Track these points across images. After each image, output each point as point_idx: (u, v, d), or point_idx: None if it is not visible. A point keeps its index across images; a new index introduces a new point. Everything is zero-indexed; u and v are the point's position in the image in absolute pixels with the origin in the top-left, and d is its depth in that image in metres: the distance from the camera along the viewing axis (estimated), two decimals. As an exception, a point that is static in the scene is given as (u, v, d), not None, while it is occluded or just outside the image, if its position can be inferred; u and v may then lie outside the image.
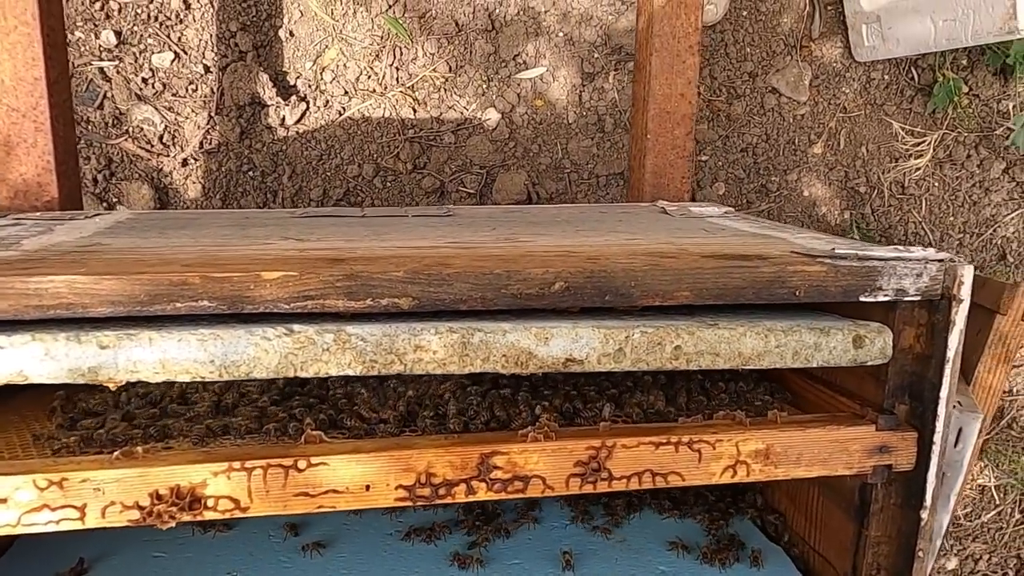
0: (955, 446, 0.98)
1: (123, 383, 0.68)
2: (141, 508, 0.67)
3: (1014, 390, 2.24)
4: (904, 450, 0.80)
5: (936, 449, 0.79)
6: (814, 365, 0.75)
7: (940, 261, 0.76)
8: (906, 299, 0.76)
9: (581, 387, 0.87)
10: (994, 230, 2.06)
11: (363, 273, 0.67)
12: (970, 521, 2.33)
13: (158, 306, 0.64)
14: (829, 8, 1.93)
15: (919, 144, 2.02)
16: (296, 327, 0.66)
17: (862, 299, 0.75)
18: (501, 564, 0.94)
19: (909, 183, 2.06)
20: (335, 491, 0.70)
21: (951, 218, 2.06)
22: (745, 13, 1.92)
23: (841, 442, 0.79)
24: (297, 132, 1.77)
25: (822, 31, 1.94)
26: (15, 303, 0.62)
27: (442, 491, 0.72)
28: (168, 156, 1.73)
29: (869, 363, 0.77)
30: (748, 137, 1.92)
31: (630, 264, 0.71)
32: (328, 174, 1.82)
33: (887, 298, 0.76)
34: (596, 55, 1.85)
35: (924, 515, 0.82)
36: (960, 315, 0.76)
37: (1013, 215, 2.08)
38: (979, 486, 2.32)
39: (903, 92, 2.00)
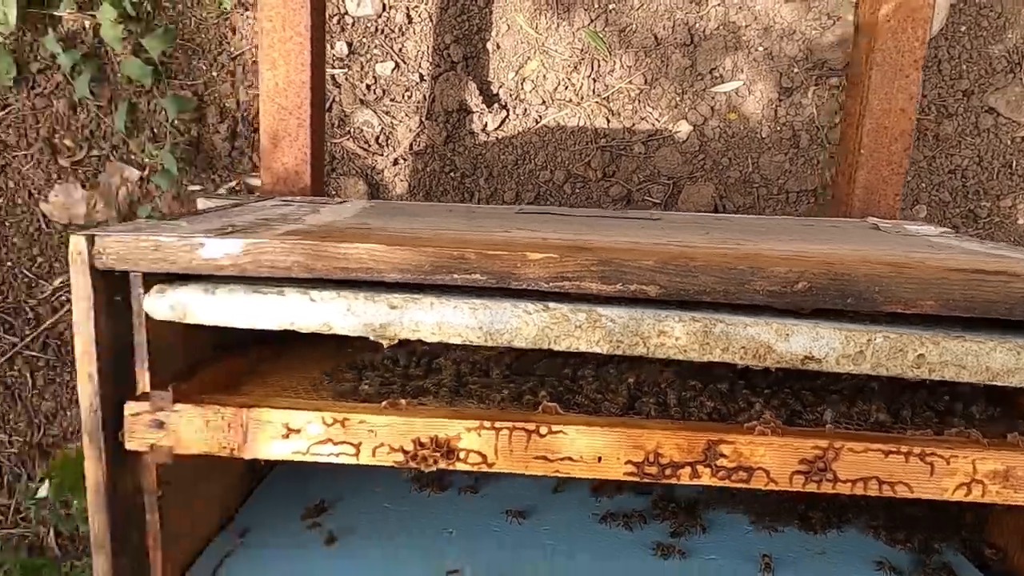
0: None
1: (395, 341, 0.78)
2: (405, 452, 0.77)
3: None
4: None
5: None
6: (1070, 388, 0.72)
7: None
8: None
9: (798, 391, 0.88)
10: None
11: (615, 260, 0.73)
12: None
13: (438, 276, 0.73)
14: (1064, 19, 1.80)
15: None
16: (552, 305, 0.73)
17: None
18: (699, 558, 0.96)
19: None
20: (571, 459, 0.76)
21: None
22: (964, 28, 1.82)
23: (1094, 473, 0.75)
24: (496, 138, 1.89)
25: (1054, 46, 1.80)
26: (327, 264, 0.73)
27: (668, 471, 0.76)
28: (382, 155, 1.91)
29: None
30: (957, 159, 1.82)
31: (873, 270, 0.72)
32: (522, 178, 1.92)
33: None
34: (796, 70, 1.83)
35: None
36: None
37: None
38: None
39: None
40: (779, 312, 0.73)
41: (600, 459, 0.76)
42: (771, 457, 0.76)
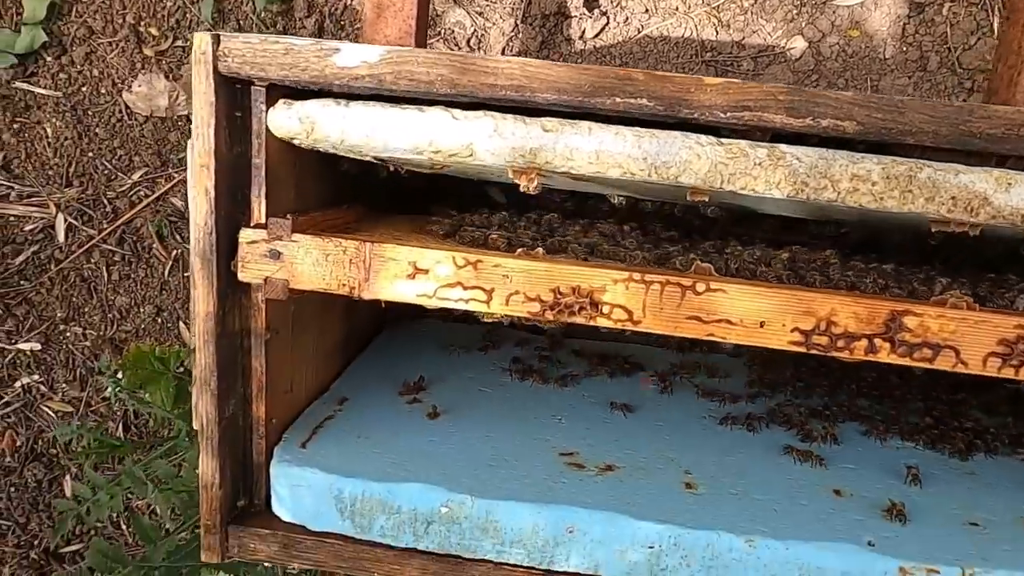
0: None
1: (536, 177, 0.70)
2: (543, 301, 0.69)
3: None
4: None
5: None
6: None
7: None
8: None
9: (978, 281, 0.78)
10: None
11: (808, 89, 0.63)
12: None
13: (599, 99, 0.64)
14: None
15: None
16: (729, 140, 0.64)
17: None
18: (837, 468, 0.88)
19: None
20: (729, 321, 0.68)
21: None
22: None
23: None
24: (594, 46, 1.78)
25: None
26: (474, 80, 0.65)
27: (841, 343, 0.67)
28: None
29: None
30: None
31: (1117, 117, 0.61)
32: (619, 90, 1.80)
33: None
34: (933, -18, 1.67)
35: None
36: None
37: None
38: None
39: None
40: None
41: (763, 324, 0.67)
42: (964, 334, 0.66)
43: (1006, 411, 1.12)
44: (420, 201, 1.06)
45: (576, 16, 1.76)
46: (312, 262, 0.71)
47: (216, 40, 0.66)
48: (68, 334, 2.07)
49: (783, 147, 0.63)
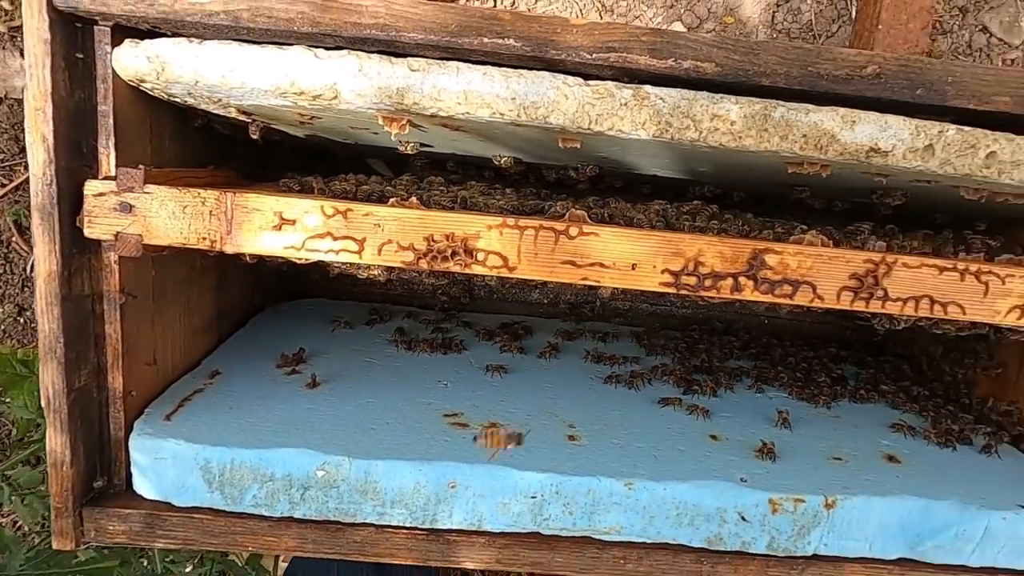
0: None
1: (407, 125, 0.68)
2: (416, 250, 0.67)
3: None
4: None
5: None
6: None
7: None
8: None
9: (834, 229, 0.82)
10: None
11: (669, 31, 0.64)
12: None
13: (466, 39, 0.63)
14: (1062, -58, 1.77)
15: None
16: (590, 80, 0.64)
17: None
18: (715, 417, 0.90)
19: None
20: (602, 265, 0.68)
21: None
22: (964, -58, 1.78)
23: None
24: None
25: (1053, -35, 1.78)
26: (336, 17, 0.62)
27: (708, 282, 0.69)
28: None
29: None
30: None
31: (948, 64, 0.66)
32: (508, 73, 1.81)
33: None
34: (797, -29, 1.76)
35: None
36: None
37: None
38: None
39: None
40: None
41: (635, 266, 0.68)
42: (819, 270, 0.69)
43: (871, 363, 1.19)
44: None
45: (477, 3, 1.76)
46: (168, 215, 0.66)
47: (49, -30, 0.61)
48: (-85, 339, 1.88)
49: (647, 88, 0.64)
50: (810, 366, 1.10)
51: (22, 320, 1.88)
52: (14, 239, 1.84)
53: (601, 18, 1.76)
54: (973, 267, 0.70)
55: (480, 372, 0.97)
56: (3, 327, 1.87)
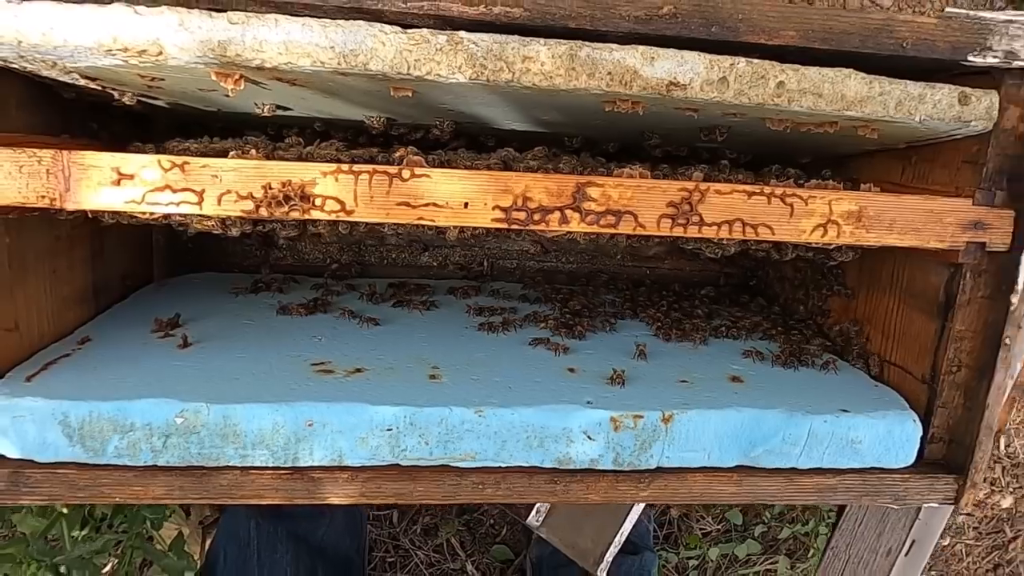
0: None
1: (241, 80, 0.71)
2: (255, 199, 0.70)
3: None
4: (1000, 228, 0.79)
5: (1033, 228, 0.78)
6: (916, 120, 0.75)
7: (1054, 26, 0.74)
8: (1015, 64, 0.75)
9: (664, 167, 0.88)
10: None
11: (478, -20, 0.68)
12: (1029, 460, 2.28)
13: (285, -6, 0.66)
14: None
15: None
16: (409, 29, 0.68)
17: (970, 58, 0.74)
18: (578, 354, 0.96)
19: None
20: (435, 204, 0.73)
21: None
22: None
23: (936, 212, 0.78)
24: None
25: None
26: (155, -26, 0.65)
27: (537, 216, 0.74)
28: None
29: (973, 125, 0.76)
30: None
31: (738, 3, 0.72)
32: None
33: (995, 60, 0.74)
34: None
35: (1015, 300, 0.81)
36: (1071, 83, 0.74)
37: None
38: (1040, 425, 2.27)
39: None
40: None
41: (467, 204, 0.73)
42: (639, 200, 0.75)
43: (743, 303, 1.27)
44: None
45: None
46: (4, 175, 0.68)
47: None
48: None
49: (462, 33, 0.69)
50: (680, 308, 1.17)
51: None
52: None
53: None
54: (779, 191, 0.76)
55: (358, 326, 1.01)
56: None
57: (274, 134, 0.94)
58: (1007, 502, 2.29)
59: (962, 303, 0.84)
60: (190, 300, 1.08)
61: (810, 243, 0.80)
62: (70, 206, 0.69)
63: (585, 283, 1.30)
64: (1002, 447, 2.25)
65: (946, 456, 0.88)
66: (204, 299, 1.09)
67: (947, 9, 0.76)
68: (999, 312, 0.82)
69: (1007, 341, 0.83)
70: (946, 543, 2.35)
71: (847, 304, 1.07)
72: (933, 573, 2.38)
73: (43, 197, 0.69)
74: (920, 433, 0.85)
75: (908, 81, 0.74)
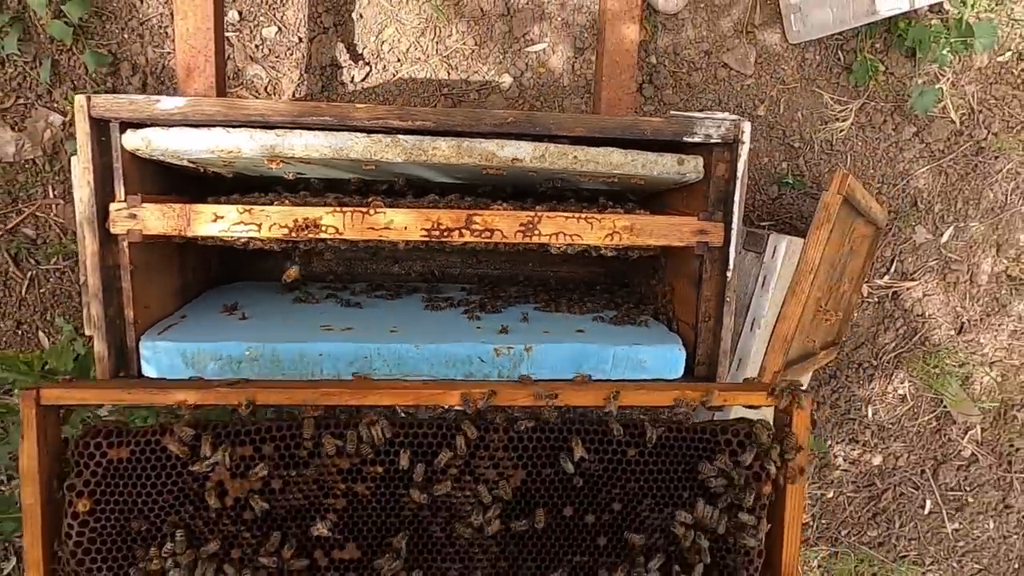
0: (771, 257, 1.54)
1: (280, 163, 1.30)
2: (288, 227, 1.29)
3: (925, 313, 2.74)
4: (716, 232, 1.37)
5: (734, 232, 1.36)
6: (654, 174, 1.33)
7: (733, 119, 1.33)
8: (712, 141, 1.34)
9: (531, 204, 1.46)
10: (907, 182, 2.59)
11: (412, 108, 1.28)
12: (892, 425, 2.83)
13: (305, 118, 1.25)
14: (769, 1, 2.50)
15: (844, 111, 2.57)
16: (372, 134, 1.27)
17: (685, 139, 1.33)
18: (488, 320, 1.53)
19: (836, 141, 2.61)
20: (388, 228, 1.31)
21: (871, 171, 2.60)
22: (702, 5, 2.50)
23: (676, 225, 1.37)
24: (362, 88, 2.41)
25: (763, 20, 2.52)
26: (237, 112, 1.24)
27: (445, 233, 1.32)
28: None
29: (688, 176, 1.35)
30: (704, 100, 2.49)
31: (551, 114, 1.31)
32: (384, 118, 2.43)
33: (699, 139, 1.33)
34: (586, 35, 2.46)
35: (729, 275, 1.38)
36: (744, 151, 1.33)
37: (923, 170, 2.61)
38: (899, 395, 2.82)
39: (831, 69, 2.56)
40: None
41: (406, 227, 1.31)
42: (503, 223, 1.33)
43: (615, 293, 1.84)
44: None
45: (346, 66, 2.39)
46: (155, 218, 1.26)
47: (88, 98, 1.21)
48: (-67, 354, 2.39)
49: (400, 135, 1.27)
50: (563, 295, 1.74)
51: (20, 332, 2.43)
52: (11, 269, 2.39)
53: (449, 75, 2.42)
54: (584, 215, 1.35)
55: (351, 311, 1.58)
56: (5, 338, 2.41)
57: (290, 185, 1.52)
58: (877, 460, 2.84)
59: (706, 279, 1.42)
60: (239, 296, 1.66)
61: (606, 245, 1.38)
62: (189, 234, 1.28)
63: (506, 282, 1.89)
64: (869, 414, 2.81)
65: (707, 373, 1.45)
66: (248, 295, 1.67)
67: (670, 112, 1.35)
68: (722, 282, 1.40)
69: (728, 299, 1.40)
70: (830, 495, 2.89)
71: (667, 288, 1.65)
72: (823, 521, 2.92)
73: (175, 229, 1.27)
74: (683, 356, 1.42)
75: (648, 152, 1.33)
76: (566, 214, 1.34)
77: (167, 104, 1.23)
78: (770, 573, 1.22)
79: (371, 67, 2.44)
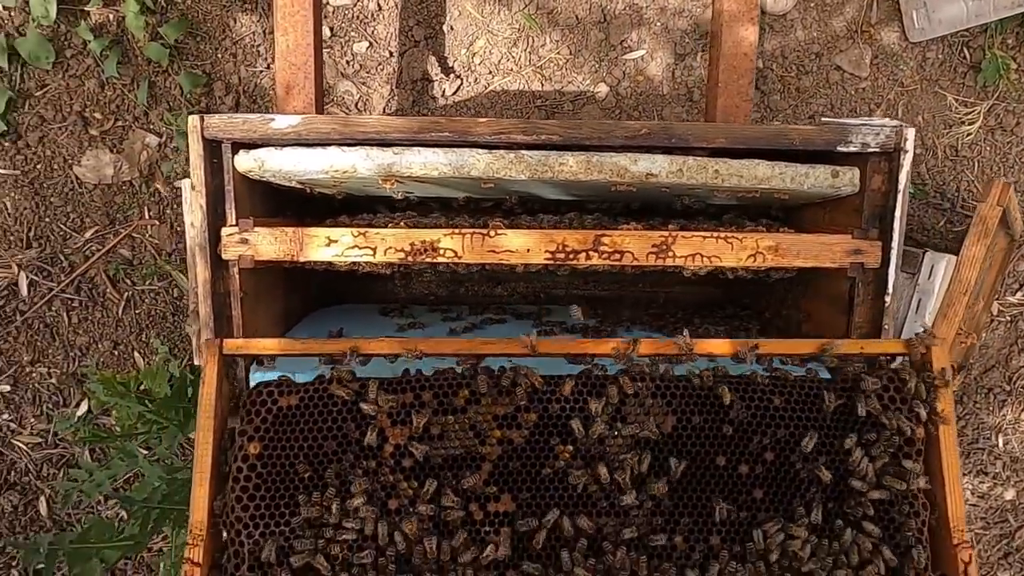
0: (928, 278, 1.37)
1: (395, 183, 1.22)
2: (404, 251, 1.20)
3: (1064, 333, 2.49)
4: (872, 252, 1.22)
5: (895, 251, 1.21)
6: (804, 188, 1.20)
7: (894, 125, 1.19)
8: (869, 150, 1.19)
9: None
10: (1043, 189, 2.36)
11: (533, 121, 1.18)
12: (1027, 456, 2.58)
13: (423, 135, 1.17)
14: (886, -1, 2.33)
15: (971, 113, 2.36)
16: (493, 150, 1.18)
17: (839, 148, 1.19)
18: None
19: (962, 147, 2.40)
20: (509, 251, 1.21)
21: (1001, 178, 2.38)
22: (813, 4, 2.34)
23: (827, 244, 1.22)
24: (453, 101, 2.34)
25: (879, 17, 2.34)
26: (352, 129, 1.17)
27: (571, 256, 1.21)
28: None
29: (843, 189, 1.21)
30: (815, 106, 2.33)
31: (689, 123, 1.19)
32: (475, 133, 2.36)
33: (855, 149, 1.19)
34: (687, 40, 2.33)
35: (888, 299, 1.23)
36: (907, 161, 1.18)
37: (1060, 175, 2.38)
38: (1034, 425, 2.57)
39: (956, 69, 2.36)
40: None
41: (528, 250, 1.21)
42: (633, 244, 1.21)
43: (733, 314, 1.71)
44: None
45: (437, 80, 2.32)
46: (267, 243, 1.20)
47: (202, 118, 1.16)
48: (34, 375, 2.43)
49: (523, 151, 1.18)
50: (683, 320, 1.62)
51: (116, 352, 2.43)
52: (109, 290, 2.40)
53: (542, 86, 2.33)
54: (723, 234, 1.22)
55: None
56: (102, 358, 2.42)
57: (393, 204, 1.44)
58: (1010, 494, 2.59)
59: (859, 304, 1.27)
60: (343, 321, 1.59)
61: (747, 267, 1.25)
62: (301, 259, 1.21)
63: (616, 303, 1.77)
64: (1001, 444, 2.57)
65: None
66: (352, 320, 1.60)
67: (822, 118, 1.22)
68: (880, 308, 1.25)
69: (886, 326, 1.25)
70: (956, 531, 2.64)
71: (801, 314, 1.50)
72: (947, 559, 2.67)
73: (288, 254, 1.21)
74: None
75: (797, 164, 1.20)
76: (703, 233, 1.22)
77: (281, 123, 1.16)
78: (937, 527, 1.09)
79: (462, 80, 2.37)
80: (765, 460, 1.10)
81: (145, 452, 2.07)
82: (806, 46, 2.33)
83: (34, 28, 2.21)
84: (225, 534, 0.97)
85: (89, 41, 2.24)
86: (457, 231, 1.20)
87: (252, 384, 1.21)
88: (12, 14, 2.16)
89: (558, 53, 2.34)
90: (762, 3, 2.28)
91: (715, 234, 1.21)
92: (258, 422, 1.04)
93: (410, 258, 1.20)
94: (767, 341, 1.13)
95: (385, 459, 1.04)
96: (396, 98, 2.33)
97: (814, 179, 1.19)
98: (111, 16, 2.24)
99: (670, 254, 1.21)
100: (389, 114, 2.32)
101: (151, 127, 2.29)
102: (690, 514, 1.08)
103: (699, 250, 1.22)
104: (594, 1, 2.32)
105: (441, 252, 1.20)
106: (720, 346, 1.11)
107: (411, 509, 1.02)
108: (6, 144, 2.26)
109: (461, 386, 1.07)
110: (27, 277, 2.41)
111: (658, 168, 1.17)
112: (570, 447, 1.06)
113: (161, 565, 2.40)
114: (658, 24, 2.32)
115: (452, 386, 1.09)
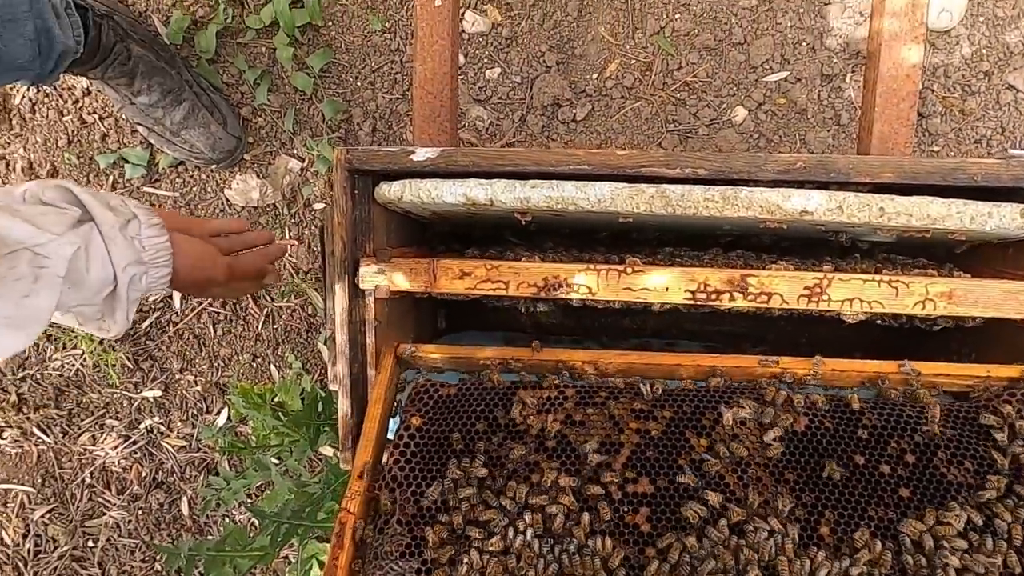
0: None
1: (530, 216, 1.19)
2: (538, 287, 1.17)
3: None
4: (1068, 303, 1.07)
5: (1096, 303, 1.05)
6: (987, 229, 1.06)
7: (1097, 161, 1.04)
8: (1068, 188, 1.05)
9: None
10: None
11: (678, 152, 1.12)
12: None
13: (560, 167, 1.14)
14: (1072, 10, 2.08)
15: None
16: (633, 183, 1.13)
17: (1030, 185, 1.05)
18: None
19: None
20: (647, 289, 1.15)
21: None
22: (982, 19, 2.13)
23: (1012, 292, 1.08)
24: (585, 126, 2.31)
25: (1063, 31, 2.09)
26: (491, 162, 1.16)
27: (713, 296, 1.14)
28: (492, 143, 2.36)
29: (1034, 231, 1.06)
30: (982, 130, 2.12)
31: (850, 157, 1.09)
32: (605, 158, 2.31)
33: (1051, 186, 1.05)
34: (835, 60, 2.18)
35: (1086, 357, 1.07)
36: (1115, 199, 1.02)
37: None
38: None
39: None
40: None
41: (667, 289, 1.15)
42: (784, 285, 1.12)
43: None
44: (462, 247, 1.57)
45: (567, 104, 2.30)
46: (403, 274, 1.21)
47: (348, 149, 1.19)
48: (183, 382, 2.59)
49: (664, 185, 1.12)
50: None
51: (254, 365, 2.55)
52: (250, 306, 2.52)
53: (676, 110, 2.25)
54: (887, 277, 1.11)
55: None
56: (242, 370, 2.55)
57: (517, 232, 1.42)
58: None
59: (1049, 360, 1.11)
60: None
61: (914, 315, 1.12)
62: (435, 291, 1.21)
63: (752, 341, 1.66)
64: None
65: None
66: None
67: (1009, 151, 1.08)
68: (1076, 367, 1.09)
69: (1083, 390, 1.09)
70: None
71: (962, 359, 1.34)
72: None
73: (422, 286, 1.21)
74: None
75: (978, 202, 1.07)
76: (863, 276, 1.11)
77: (420, 155, 1.17)
78: None
79: (593, 105, 2.34)
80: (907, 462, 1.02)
81: (277, 462, 2.16)
82: (973, 64, 2.13)
83: (204, 60, 2.37)
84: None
85: (244, 71, 2.38)
86: (592, 267, 1.16)
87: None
88: (177, 46, 2.33)
89: (694, 76, 2.26)
90: (923, 19, 2.11)
91: (877, 277, 1.10)
92: (420, 405, 1.17)
93: (543, 293, 1.17)
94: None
95: (531, 439, 1.11)
96: (527, 123, 2.33)
97: (999, 219, 1.06)
98: (264, 48, 2.37)
99: (824, 297, 1.12)
100: (519, 141, 2.32)
101: (294, 152, 2.41)
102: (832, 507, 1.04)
103: (858, 294, 1.11)
104: (735, 22, 2.22)
105: (575, 288, 1.17)
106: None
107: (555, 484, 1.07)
108: (167, 169, 2.44)
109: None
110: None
111: (814, 205, 1.08)
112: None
113: (287, 572, 2.49)
114: (804, 44, 2.20)
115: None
